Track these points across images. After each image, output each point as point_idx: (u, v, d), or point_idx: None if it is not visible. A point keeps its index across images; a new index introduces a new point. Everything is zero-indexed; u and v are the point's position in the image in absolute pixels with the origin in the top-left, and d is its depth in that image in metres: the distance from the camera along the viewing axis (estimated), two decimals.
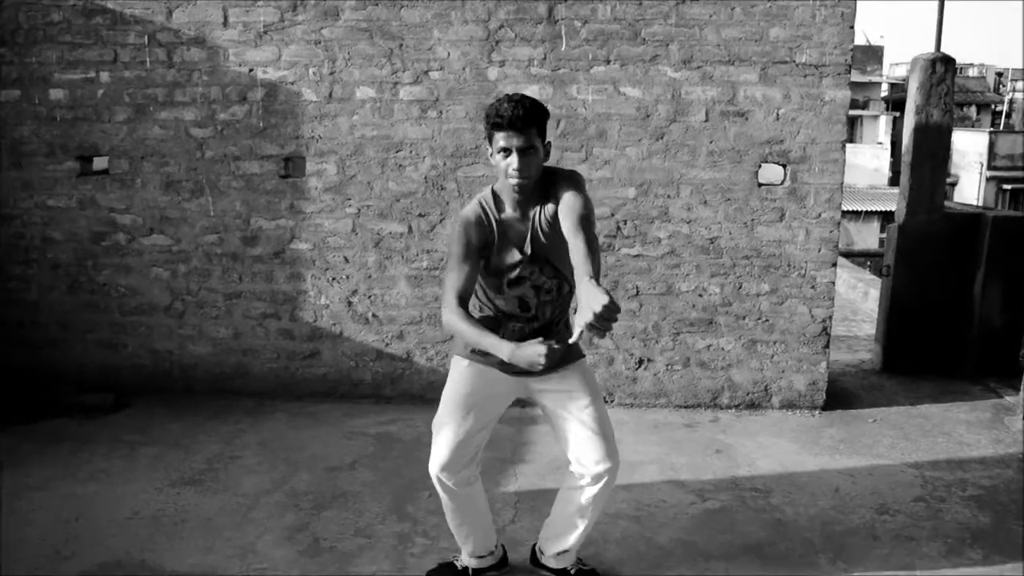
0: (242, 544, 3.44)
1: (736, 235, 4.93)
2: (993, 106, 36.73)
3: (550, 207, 2.69)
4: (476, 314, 2.81)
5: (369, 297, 5.09)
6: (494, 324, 2.80)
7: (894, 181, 27.81)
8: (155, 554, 3.36)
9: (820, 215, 4.91)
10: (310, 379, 5.20)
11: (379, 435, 4.64)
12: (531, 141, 2.60)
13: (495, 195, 2.76)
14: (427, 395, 5.03)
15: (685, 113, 4.86)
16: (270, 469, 4.19)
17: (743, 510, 3.80)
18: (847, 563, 3.34)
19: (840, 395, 5.28)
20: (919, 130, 5.77)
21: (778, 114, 4.84)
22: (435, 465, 2.86)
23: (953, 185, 26.74)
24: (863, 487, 4.04)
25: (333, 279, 5.09)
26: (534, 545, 3.21)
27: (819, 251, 4.92)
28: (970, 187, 27.24)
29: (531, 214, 2.72)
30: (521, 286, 2.77)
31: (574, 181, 2.69)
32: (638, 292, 4.99)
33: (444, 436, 2.84)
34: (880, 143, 31.81)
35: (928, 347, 5.78)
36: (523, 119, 2.58)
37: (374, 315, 5.11)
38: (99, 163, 5.16)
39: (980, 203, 24.88)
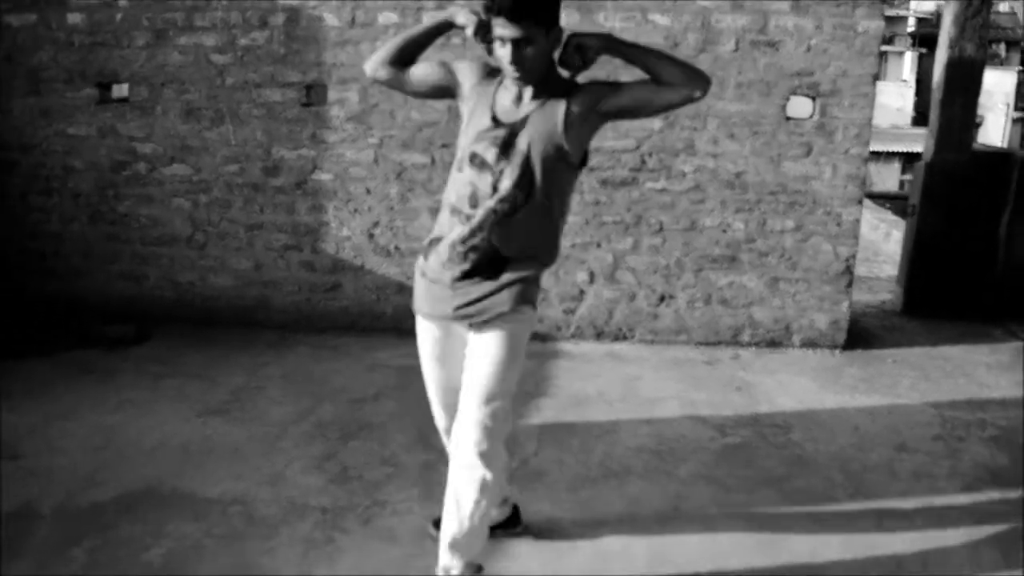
0: (271, 472, 3.55)
1: (762, 170, 4.93)
2: (1022, 44, 36.00)
3: (561, 107, 2.47)
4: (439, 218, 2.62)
5: (391, 229, 5.13)
6: (441, 228, 2.58)
7: (918, 121, 27.46)
8: (185, 481, 3.46)
9: (848, 151, 4.89)
10: (331, 312, 5.28)
11: (401, 368, 4.72)
12: (528, 32, 2.35)
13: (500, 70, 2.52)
14: None
15: (714, 42, 4.82)
16: (295, 400, 4.28)
17: (763, 446, 3.88)
18: (866, 498, 3.43)
19: (861, 335, 5.33)
20: (951, 65, 5.70)
21: (809, 45, 4.80)
22: (438, 422, 2.89)
23: (978, 126, 26.43)
24: (882, 425, 4.12)
25: (355, 210, 5.13)
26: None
27: (845, 188, 4.92)
28: (996, 128, 26.92)
29: (528, 103, 2.50)
30: (479, 171, 2.47)
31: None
32: (661, 227, 5.02)
33: (428, 392, 2.83)
34: (905, 81, 31.29)
35: (951, 289, 5.80)
36: (516, 6, 2.32)
37: (396, 247, 5.16)
38: (118, 90, 5.16)
39: (1006, 144, 24.59)
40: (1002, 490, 3.53)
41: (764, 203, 4.96)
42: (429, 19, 2.58)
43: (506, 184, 2.46)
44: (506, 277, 2.51)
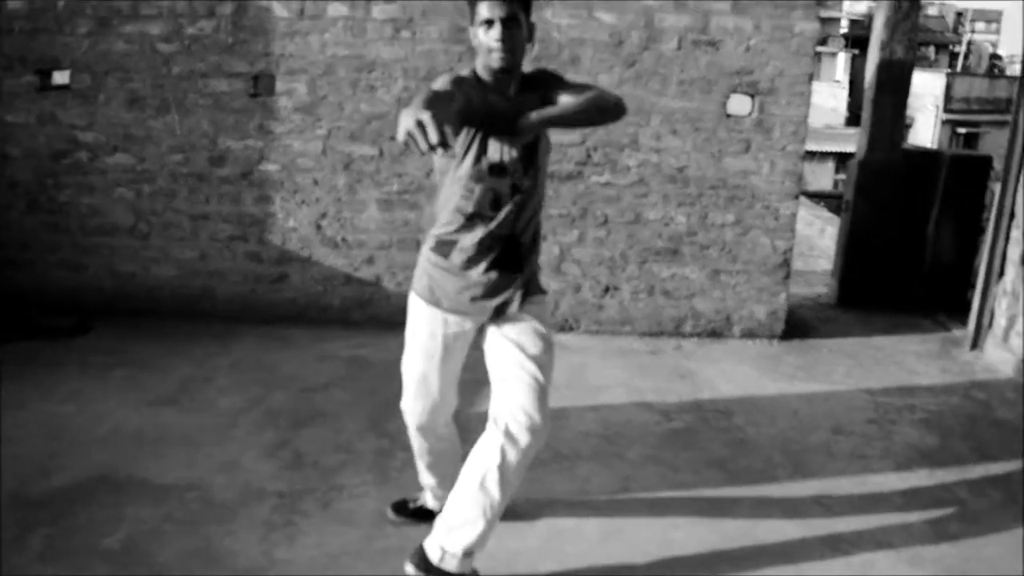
0: (225, 459, 3.62)
1: (703, 165, 5.14)
2: (951, 47, 37.39)
3: (535, 98, 2.58)
4: (441, 221, 2.69)
5: (339, 220, 5.22)
6: (458, 231, 2.65)
7: (851, 121, 28.29)
8: (139, 468, 3.51)
9: (785, 147, 5.14)
10: (278, 303, 5.34)
11: (351, 358, 4.82)
12: (515, 12, 2.49)
13: (475, 76, 2.59)
14: (396, 320, 5.07)
15: (658, 40, 5.02)
16: (244, 390, 4.35)
17: (707, 430, 4.09)
18: (804, 477, 3.65)
19: (798, 326, 5.60)
20: (882, 67, 6.01)
21: (748, 45, 5.03)
22: (404, 406, 2.90)
23: (908, 127, 27.34)
24: (820, 410, 4.36)
25: (302, 202, 5.20)
26: (419, 551, 2.70)
27: (783, 183, 5.17)
28: (925, 129, 27.86)
29: (516, 99, 2.58)
30: (499, 176, 2.58)
31: (572, 82, 2.64)
32: (606, 220, 5.20)
33: (408, 377, 2.84)
34: (838, 81, 32.22)
35: (883, 282, 6.12)
36: None
37: (343, 239, 5.24)
38: (59, 78, 5.14)
39: (935, 145, 25.49)
40: (931, 469, 3.79)
41: (705, 197, 5.18)
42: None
43: (526, 182, 2.62)
44: (527, 268, 2.72)
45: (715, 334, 5.35)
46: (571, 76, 2.75)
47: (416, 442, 2.99)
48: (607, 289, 5.30)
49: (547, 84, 2.65)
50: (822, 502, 3.45)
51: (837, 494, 3.51)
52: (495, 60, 2.52)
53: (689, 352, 5.13)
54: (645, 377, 4.69)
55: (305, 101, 5.07)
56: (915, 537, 3.23)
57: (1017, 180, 5.11)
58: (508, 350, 2.68)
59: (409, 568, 2.68)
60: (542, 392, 2.63)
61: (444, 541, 2.64)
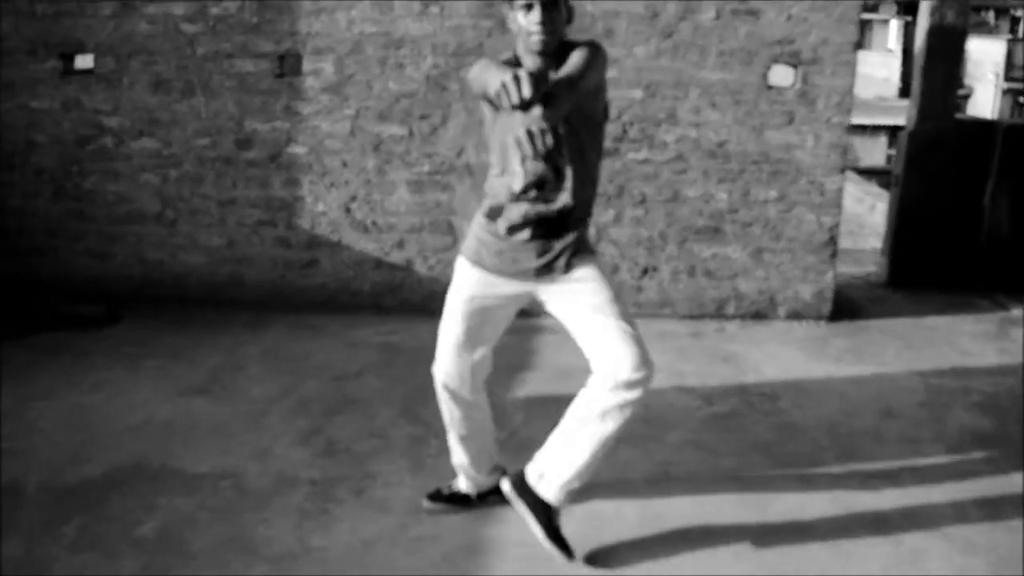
0: (258, 447, 3.72)
1: (744, 139, 5.15)
2: (1012, 11, 36.64)
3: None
4: (491, 194, 2.88)
5: (368, 203, 5.30)
6: (505, 204, 2.83)
7: (905, 92, 27.89)
8: (172, 457, 3.63)
9: (830, 119, 5.13)
10: (307, 289, 5.44)
11: (382, 344, 4.91)
12: None
13: (517, 59, 2.75)
14: (428, 305, 5.24)
15: (695, 11, 5.03)
16: (276, 378, 4.45)
17: (751, 413, 4.12)
18: (853, 460, 3.68)
19: (846, 306, 5.59)
20: (933, 32, 5.93)
21: (789, 13, 5.02)
22: (438, 370, 3.01)
23: (966, 98, 26.89)
24: (868, 393, 4.37)
25: (331, 184, 5.29)
26: (518, 472, 2.98)
27: (828, 157, 5.16)
28: (985, 100, 27.40)
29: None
30: (539, 159, 2.75)
31: (591, 47, 2.67)
32: (644, 199, 5.23)
33: (444, 339, 2.97)
34: (891, 50, 31.75)
35: (936, 260, 6.07)
36: None
37: (373, 222, 5.32)
38: (83, 62, 5.27)
39: (995, 117, 25.08)
40: (986, 451, 3.80)
41: (747, 173, 5.19)
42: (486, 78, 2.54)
43: (564, 162, 2.76)
44: (573, 234, 2.85)
45: (759, 316, 5.36)
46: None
47: (446, 409, 3.08)
48: (646, 270, 5.33)
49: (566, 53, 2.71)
50: (869, 484, 3.47)
51: (886, 478, 3.53)
52: (535, 44, 2.65)
53: (732, 335, 5.15)
54: (686, 360, 4.73)
55: (332, 81, 5.15)
56: (968, 522, 3.25)
57: None
58: (574, 309, 2.86)
59: (504, 485, 2.95)
60: (627, 335, 2.77)
61: (545, 467, 2.89)
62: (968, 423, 4.08)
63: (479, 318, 2.93)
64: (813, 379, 4.53)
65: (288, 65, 5.17)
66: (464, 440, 3.15)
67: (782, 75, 5.17)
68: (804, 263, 5.29)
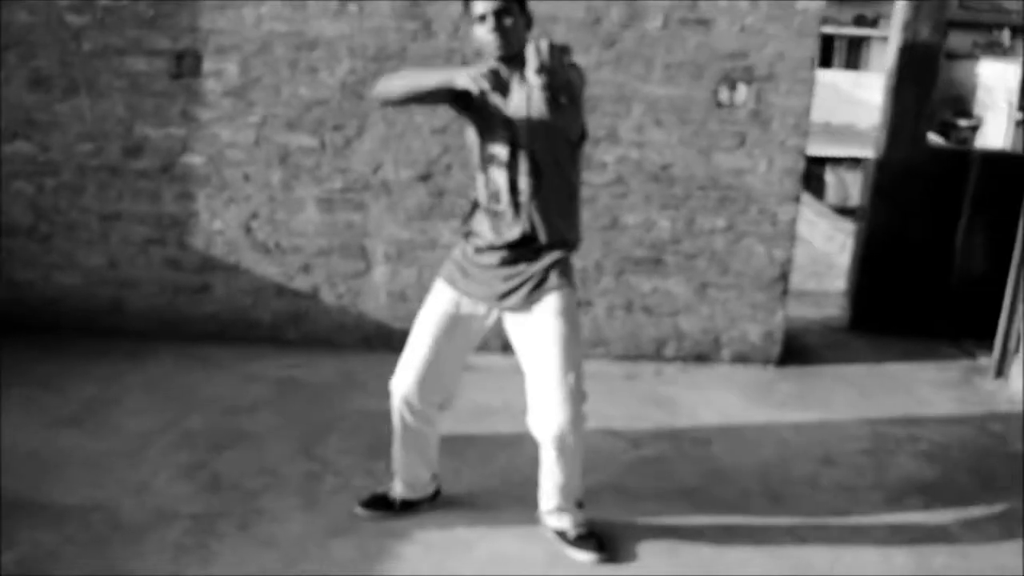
0: (135, 481, 4.03)
1: (691, 162, 5.57)
2: None
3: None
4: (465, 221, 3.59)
5: (271, 223, 5.63)
6: (477, 220, 3.50)
7: None
8: (42, 491, 3.91)
9: (784, 142, 5.57)
10: (199, 317, 5.74)
11: (281, 379, 5.22)
12: (507, 4, 3.20)
13: None
14: (335, 339, 5.59)
15: (641, 18, 5.43)
16: (159, 411, 4.74)
17: (679, 458, 4.52)
18: (781, 508, 4.09)
19: (800, 351, 6.04)
20: (905, 50, 6.33)
21: (743, 24, 5.43)
22: (397, 384, 3.59)
23: (975, 129, 27.79)
24: (809, 439, 4.80)
25: (230, 200, 5.61)
26: (560, 530, 3.73)
27: (781, 184, 5.61)
28: (997, 130, 28.28)
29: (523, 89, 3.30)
30: (498, 168, 3.36)
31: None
32: None
33: (410, 354, 3.56)
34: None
35: (901, 302, 6.53)
36: None
37: (276, 244, 5.65)
38: None
39: (1008, 150, 25.89)
40: (926, 502, 4.22)
41: (693, 199, 5.62)
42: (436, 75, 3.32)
43: (523, 177, 3.35)
44: (545, 259, 3.43)
45: (702, 358, 5.78)
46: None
47: (399, 422, 3.66)
48: (578, 305, 5.71)
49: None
50: (797, 533, 3.88)
51: (815, 526, 3.95)
52: (494, 51, 3.24)
53: (671, 378, 5.56)
54: (616, 404, 5.11)
55: (236, 84, 5.48)
56: (895, 568, 3.66)
57: None
58: (525, 346, 3.50)
59: (587, 556, 3.62)
60: (564, 394, 3.40)
61: (564, 503, 3.66)
62: (912, 472, 4.52)
63: (446, 337, 3.53)
64: (752, 424, 4.95)
65: (186, 65, 5.47)
66: (411, 451, 3.74)
67: (734, 92, 5.56)
68: (752, 300, 5.72)
